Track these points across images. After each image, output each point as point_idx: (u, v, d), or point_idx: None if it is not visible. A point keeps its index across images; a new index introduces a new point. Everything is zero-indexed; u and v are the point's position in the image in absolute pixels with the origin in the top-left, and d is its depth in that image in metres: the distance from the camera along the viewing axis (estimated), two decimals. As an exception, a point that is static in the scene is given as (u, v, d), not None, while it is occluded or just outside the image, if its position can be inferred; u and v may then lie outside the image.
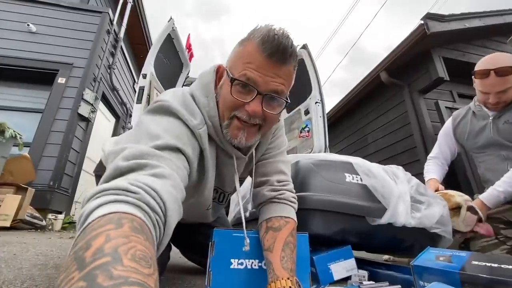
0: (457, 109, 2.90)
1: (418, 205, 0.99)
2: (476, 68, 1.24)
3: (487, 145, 1.26)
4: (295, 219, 0.74)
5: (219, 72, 0.67)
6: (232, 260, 0.69)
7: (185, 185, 0.49)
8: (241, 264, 0.70)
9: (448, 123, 1.47)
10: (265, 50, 0.55)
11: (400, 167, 1.09)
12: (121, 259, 0.24)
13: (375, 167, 1.01)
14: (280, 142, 0.82)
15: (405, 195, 0.96)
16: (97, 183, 0.96)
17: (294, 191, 0.80)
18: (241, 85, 0.58)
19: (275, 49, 0.55)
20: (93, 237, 0.27)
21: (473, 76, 1.28)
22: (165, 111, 0.57)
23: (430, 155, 1.54)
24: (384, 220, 0.92)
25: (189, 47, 3.31)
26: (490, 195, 1.12)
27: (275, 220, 0.70)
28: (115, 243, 0.26)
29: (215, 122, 0.63)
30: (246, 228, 0.73)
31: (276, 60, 0.56)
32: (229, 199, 0.92)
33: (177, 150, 0.51)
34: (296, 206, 0.78)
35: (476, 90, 1.31)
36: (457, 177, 2.73)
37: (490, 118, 1.24)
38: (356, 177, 1.00)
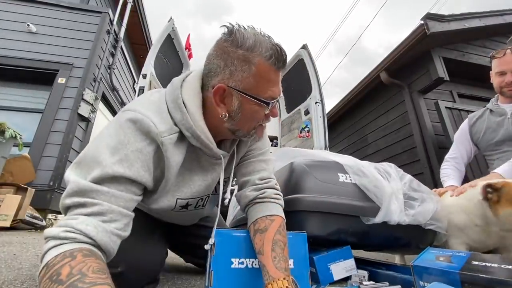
0: (457, 109, 2.93)
1: (412, 202, 0.99)
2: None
3: (504, 140, 1.26)
4: (281, 215, 0.73)
5: (218, 93, 0.62)
6: (233, 260, 0.69)
7: (133, 204, 0.56)
8: (242, 263, 0.70)
9: (464, 123, 1.46)
10: (278, 67, 0.61)
11: (392, 165, 1.09)
12: (86, 274, 0.40)
13: (366, 166, 1.01)
14: (261, 144, 0.83)
15: (398, 193, 0.96)
16: None
17: (278, 187, 0.80)
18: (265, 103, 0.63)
19: (284, 63, 0.62)
20: (59, 268, 0.41)
21: (490, 61, 1.32)
22: (127, 120, 0.56)
23: (448, 156, 1.50)
24: (378, 219, 0.92)
25: (188, 47, 3.31)
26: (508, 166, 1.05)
27: (261, 221, 0.70)
28: (78, 267, 0.41)
29: (195, 133, 0.62)
30: (246, 228, 0.74)
31: (282, 69, 0.64)
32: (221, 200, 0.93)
33: (116, 178, 0.53)
34: (281, 202, 0.77)
35: (493, 80, 1.32)
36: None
37: (509, 113, 1.25)
38: (349, 176, 1.00)
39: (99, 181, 0.51)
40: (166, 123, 0.60)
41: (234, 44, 0.59)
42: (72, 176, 0.52)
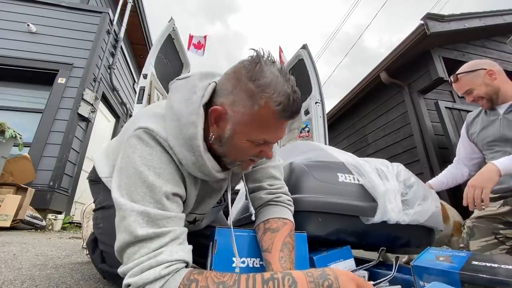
0: (457, 109, 2.93)
1: (412, 201, 0.98)
2: None
3: (495, 140, 1.26)
4: (293, 220, 0.75)
5: (214, 114, 0.58)
6: (234, 259, 0.69)
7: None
8: (243, 262, 0.70)
9: (464, 124, 1.48)
10: (285, 117, 0.55)
11: (395, 164, 1.09)
12: (218, 282, 0.46)
13: (364, 165, 1.01)
14: None
15: (395, 192, 0.96)
16: (90, 189, 0.97)
17: (289, 193, 0.82)
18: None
19: (294, 113, 0.56)
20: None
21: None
22: (153, 140, 0.56)
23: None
24: (376, 218, 0.91)
25: (199, 45, 3.29)
26: (506, 159, 1.04)
27: (273, 221, 0.71)
28: (205, 284, 0.46)
29: (209, 175, 0.62)
30: (247, 228, 0.74)
31: (289, 119, 0.57)
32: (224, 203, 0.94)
33: (172, 197, 0.54)
34: (292, 208, 0.79)
35: None
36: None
37: (501, 114, 1.26)
38: (349, 176, 0.99)
39: (161, 205, 0.51)
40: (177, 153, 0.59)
41: (249, 76, 0.54)
42: (131, 204, 0.50)
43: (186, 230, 0.55)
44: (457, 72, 1.33)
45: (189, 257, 0.51)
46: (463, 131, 1.46)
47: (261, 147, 0.61)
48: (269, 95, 0.53)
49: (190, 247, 0.54)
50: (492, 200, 1.21)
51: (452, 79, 1.34)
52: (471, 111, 1.47)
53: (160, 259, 0.46)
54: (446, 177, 1.47)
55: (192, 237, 0.59)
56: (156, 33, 3.20)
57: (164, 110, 0.62)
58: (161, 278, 0.45)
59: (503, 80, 1.26)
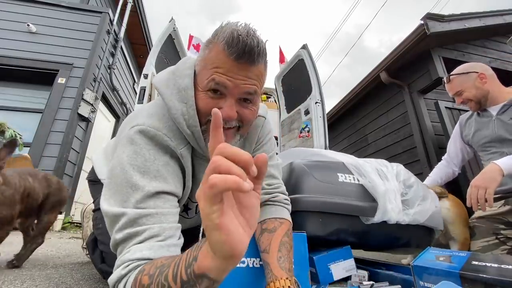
0: (457, 109, 2.93)
1: (412, 201, 0.98)
2: None
3: (491, 141, 1.28)
4: (290, 219, 0.75)
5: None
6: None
7: (178, 217, 0.56)
8: (243, 262, 0.70)
9: (457, 125, 1.51)
10: (231, 53, 0.52)
11: (395, 164, 1.09)
12: (160, 264, 0.41)
13: (364, 165, 1.01)
14: (268, 148, 0.82)
15: (395, 192, 0.96)
16: (90, 189, 0.97)
17: (287, 193, 0.81)
18: (212, 91, 0.56)
19: (242, 51, 0.52)
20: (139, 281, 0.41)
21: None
22: (142, 136, 0.56)
23: (444, 156, 1.59)
24: (376, 218, 0.91)
25: (198, 46, 3.29)
26: (508, 158, 1.05)
27: (270, 221, 0.71)
28: (150, 270, 0.41)
29: (196, 132, 0.60)
30: None
31: (244, 62, 0.53)
32: None
33: (157, 195, 0.52)
34: (289, 207, 0.79)
35: None
36: (458, 177, 2.72)
37: (494, 115, 1.27)
38: (349, 176, 1.00)
39: (143, 204, 0.50)
40: (176, 136, 0.59)
41: (212, 34, 0.58)
42: (113, 209, 0.50)
43: (172, 226, 0.52)
44: (450, 73, 1.36)
45: (160, 254, 0.47)
46: (456, 132, 1.49)
47: (217, 101, 0.56)
48: (218, 37, 0.55)
49: (174, 243, 0.50)
50: (493, 200, 1.21)
51: (445, 80, 1.38)
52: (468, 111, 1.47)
53: (124, 258, 0.46)
54: (439, 175, 1.50)
55: (192, 238, 0.58)
56: (156, 33, 3.21)
57: (159, 101, 0.64)
58: (123, 277, 0.44)
59: (493, 85, 1.28)
